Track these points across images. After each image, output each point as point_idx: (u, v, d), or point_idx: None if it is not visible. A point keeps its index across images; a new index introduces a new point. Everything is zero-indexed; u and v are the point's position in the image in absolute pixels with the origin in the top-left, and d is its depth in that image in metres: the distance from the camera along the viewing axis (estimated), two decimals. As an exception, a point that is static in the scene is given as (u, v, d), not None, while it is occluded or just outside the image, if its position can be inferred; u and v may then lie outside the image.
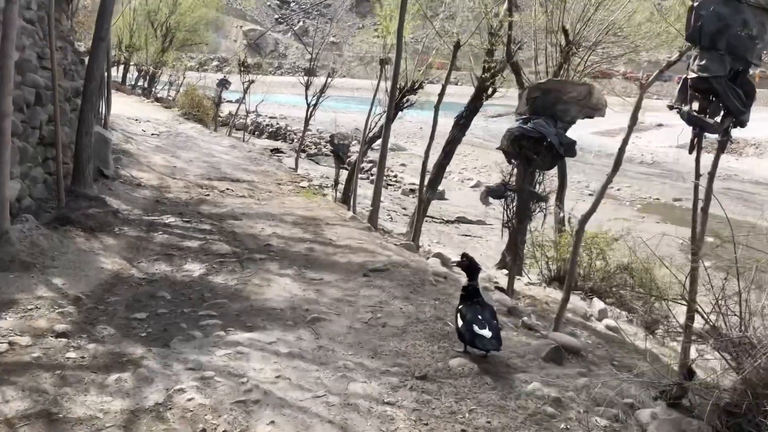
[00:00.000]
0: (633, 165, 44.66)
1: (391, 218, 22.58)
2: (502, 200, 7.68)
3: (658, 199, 34.73)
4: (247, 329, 5.39)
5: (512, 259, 7.67)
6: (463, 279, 7.41)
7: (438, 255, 9.68)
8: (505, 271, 9.70)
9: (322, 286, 6.71)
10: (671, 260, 11.26)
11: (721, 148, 4.10)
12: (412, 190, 29.44)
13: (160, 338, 5.15)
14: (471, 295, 5.18)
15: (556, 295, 8.99)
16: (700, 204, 4.23)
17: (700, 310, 3.61)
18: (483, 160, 41.31)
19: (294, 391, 4.34)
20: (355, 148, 20.75)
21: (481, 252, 20.57)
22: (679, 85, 4.17)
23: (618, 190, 35.14)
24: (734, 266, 4.04)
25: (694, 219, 4.15)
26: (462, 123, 13.45)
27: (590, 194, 32.73)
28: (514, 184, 7.73)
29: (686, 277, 4.11)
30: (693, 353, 8.91)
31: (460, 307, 5.11)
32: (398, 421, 4.06)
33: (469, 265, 5.33)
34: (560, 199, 12.66)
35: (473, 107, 13.46)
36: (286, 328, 5.47)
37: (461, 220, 25.76)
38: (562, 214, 12.06)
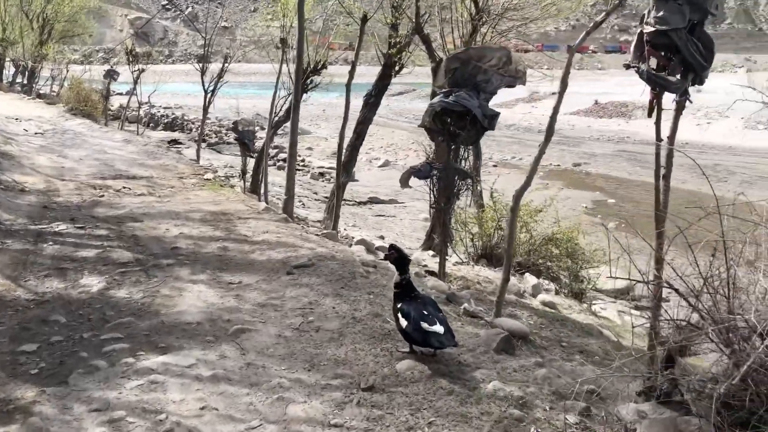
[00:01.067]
0: (532, 134, 45.71)
1: (303, 204, 21.89)
2: (428, 180, 7.21)
3: (558, 165, 35.62)
4: (161, 351, 4.66)
5: (441, 241, 7.25)
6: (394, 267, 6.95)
7: (362, 242, 9.16)
8: (432, 253, 9.31)
9: (241, 291, 6.03)
10: (579, 225, 11.24)
11: (680, 109, 3.75)
12: (322, 174, 28.81)
13: (56, 374, 4.35)
14: (406, 290, 4.67)
15: (486, 273, 8.67)
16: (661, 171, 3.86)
17: (679, 290, 3.24)
18: (388, 139, 41.12)
19: (224, 424, 3.70)
20: (260, 134, 19.85)
21: (397, 231, 20.29)
22: (634, 41, 3.79)
23: (520, 159, 35.80)
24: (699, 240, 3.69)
25: (657, 187, 3.78)
26: (372, 102, 12.94)
27: (494, 165, 33.16)
28: (438, 162, 7.27)
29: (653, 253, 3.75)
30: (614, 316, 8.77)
31: (399, 305, 4.59)
32: (350, 447, 3.51)
33: (399, 258, 4.77)
34: (476, 173, 12.38)
35: (382, 85, 12.96)
36: (206, 346, 4.79)
37: (373, 200, 25.40)
38: (480, 189, 11.77)
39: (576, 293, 9.66)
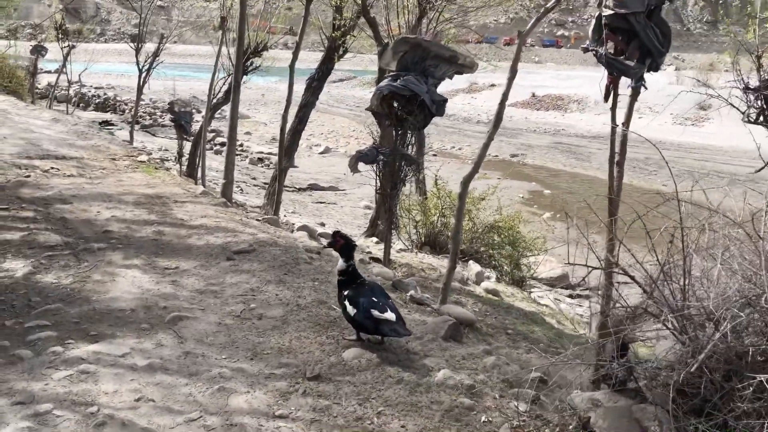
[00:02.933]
0: (471, 124, 46.18)
1: (242, 190, 21.41)
2: (374, 165, 7.06)
3: (496, 155, 36.05)
4: (92, 340, 4.38)
5: (386, 227, 7.12)
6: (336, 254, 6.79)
7: (304, 228, 8.96)
8: (375, 239, 9.18)
9: (179, 276, 5.76)
10: (520, 214, 11.33)
11: (635, 95, 3.71)
12: (261, 159, 28.29)
13: (-26, 365, 4.02)
14: (351, 277, 4.53)
15: (430, 260, 8.61)
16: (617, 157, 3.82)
17: (634, 276, 3.20)
18: (329, 125, 40.78)
19: (161, 417, 3.48)
20: (197, 117, 19.28)
21: (338, 218, 20.08)
22: (593, 24, 3.73)
23: (459, 149, 36.06)
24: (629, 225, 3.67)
25: (611, 172, 3.74)
26: (315, 86, 12.68)
27: (434, 154, 33.30)
28: (385, 147, 7.12)
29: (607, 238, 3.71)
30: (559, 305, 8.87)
31: (346, 293, 4.44)
32: (296, 439, 3.35)
33: (345, 245, 4.61)
34: (420, 160, 12.31)
35: (325, 69, 12.72)
36: (142, 334, 4.52)
37: (314, 187, 25.10)
38: (423, 176, 11.71)
39: (516, 281, 9.72)
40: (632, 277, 3.15)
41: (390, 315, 4.20)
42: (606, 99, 3.80)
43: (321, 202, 23.00)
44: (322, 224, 16.74)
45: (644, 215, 3.14)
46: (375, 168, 7.12)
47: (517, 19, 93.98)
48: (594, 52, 3.75)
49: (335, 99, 54.39)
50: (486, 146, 5.79)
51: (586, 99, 53.04)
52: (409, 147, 7.00)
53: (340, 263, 4.58)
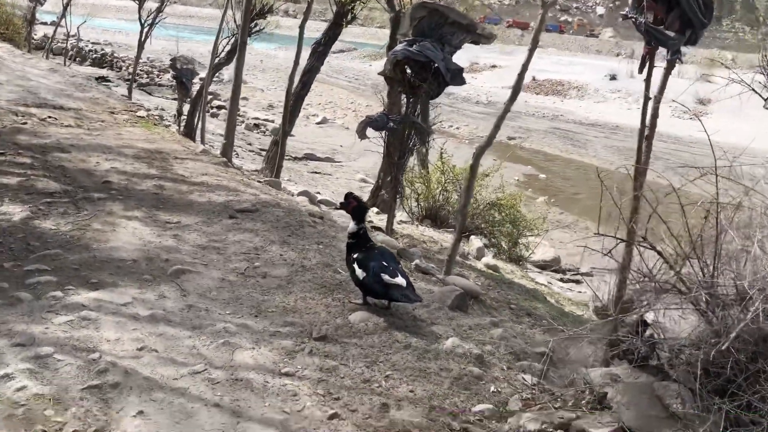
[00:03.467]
0: (470, 104, 45.90)
1: (237, 154, 21.11)
2: (383, 133, 6.93)
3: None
4: (92, 287, 4.27)
5: (392, 196, 7.02)
6: (342, 219, 6.68)
7: (305, 193, 8.84)
8: (376, 210, 9.09)
9: (180, 231, 5.64)
10: (521, 194, 11.24)
11: (671, 68, 3.61)
12: (257, 125, 28.01)
13: (-29, 304, 3.91)
14: (362, 240, 4.44)
15: (431, 233, 8.52)
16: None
17: (661, 252, 3.12)
18: (327, 96, 40.41)
19: (165, 367, 3.39)
20: (196, 79, 19.00)
21: (333, 189, 19.90)
22: (635, -10, 3.61)
23: (457, 128, 35.85)
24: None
25: (640, 145, 3.64)
26: (320, 50, 12.44)
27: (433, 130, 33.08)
28: (395, 115, 7.00)
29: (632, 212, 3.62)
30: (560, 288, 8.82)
31: (355, 256, 4.35)
32: (303, 397, 3.27)
33: (358, 207, 4.50)
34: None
35: (332, 34, 12.48)
36: (144, 284, 4.42)
37: (310, 157, 24.89)
38: (426, 149, 11.58)
39: (514, 259, 9.67)
40: (659, 252, 3.07)
41: (400, 280, 4.11)
42: (641, 69, 3.69)
43: (316, 172, 22.82)
44: (318, 194, 16.62)
45: (678, 189, 3.05)
46: (383, 135, 6.99)
47: (522, 2, 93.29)
48: (633, 20, 3.63)
49: (335, 70, 53.86)
50: (501, 118, 5.68)
51: (586, 86, 52.88)
52: (421, 116, 6.87)
53: (351, 225, 4.48)
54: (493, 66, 56.43)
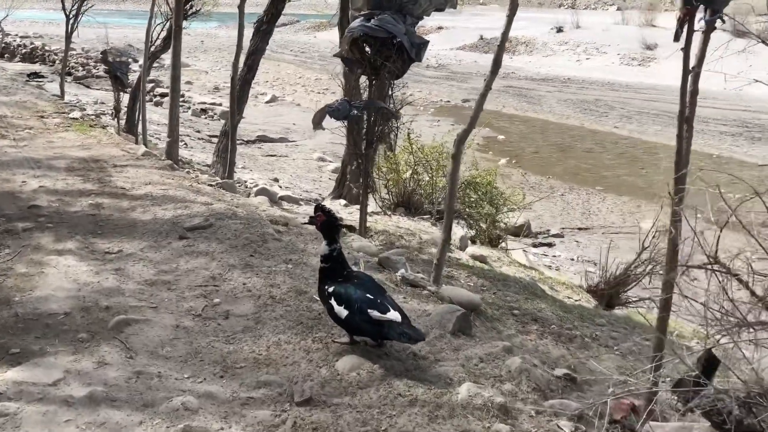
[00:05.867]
0: (420, 69, 44.89)
1: (186, 144, 19.98)
2: (346, 122, 6.12)
3: (448, 101, 35.24)
4: (12, 361, 3.42)
5: (363, 192, 6.26)
6: (313, 226, 5.90)
7: (263, 192, 8.00)
8: (344, 202, 8.31)
9: (123, 263, 4.79)
10: (496, 168, 10.53)
11: (710, 30, 2.90)
12: (204, 110, 26.72)
13: None
14: (336, 265, 3.64)
15: (407, 223, 7.79)
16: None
17: (738, 275, 2.42)
18: (274, 73, 39.00)
19: (109, 479, 2.60)
20: (135, 66, 17.76)
21: (291, 172, 19.01)
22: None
23: (410, 95, 35.02)
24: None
25: (681, 132, 2.93)
26: (264, 30, 11.46)
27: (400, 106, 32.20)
28: (358, 100, 6.18)
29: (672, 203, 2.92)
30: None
31: (331, 289, 3.57)
32: (292, 499, 2.53)
33: (328, 223, 3.67)
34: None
35: (275, 11, 11.50)
36: (79, 348, 3.59)
37: (262, 139, 23.81)
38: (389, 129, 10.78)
39: (493, 239, 9.02)
40: (741, 280, 2.38)
41: (394, 315, 3.37)
42: (677, 37, 2.97)
43: (272, 155, 21.80)
44: (276, 179, 15.72)
45: (754, 197, 2.35)
46: (346, 125, 6.19)
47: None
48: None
49: (279, 45, 52.13)
50: (483, 96, 4.95)
51: (534, 41, 52.32)
52: (387, 99, 6.08)
53: (323, 247, 3.69)
54: (440, 27, 55.37)
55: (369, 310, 3.38)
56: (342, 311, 3.48)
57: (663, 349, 3.24)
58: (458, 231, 7.56)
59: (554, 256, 12.82)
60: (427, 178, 8.81)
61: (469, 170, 9.09)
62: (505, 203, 8.91)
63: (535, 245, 13.11)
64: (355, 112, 5.92)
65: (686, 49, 2.89)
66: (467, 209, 8.67)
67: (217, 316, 4.00)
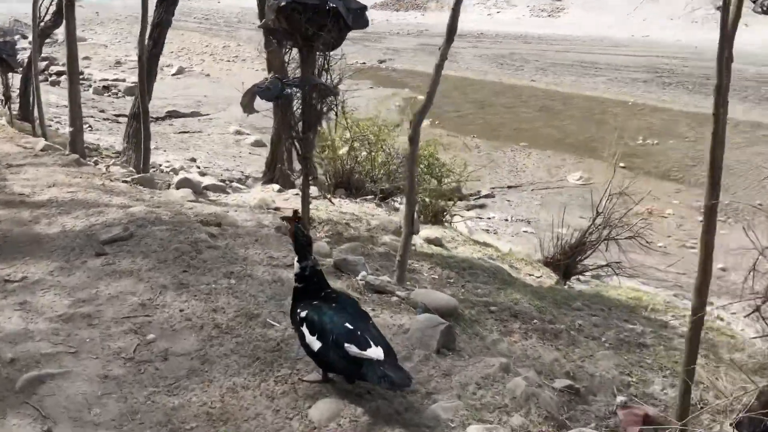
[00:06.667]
0: (343, 31, 43.72)
1: (90, 126, 18.47)
2: (278, 102, 5.38)
3: (364, 63, 34.40)
4: None
5: (304, 181, 5.58)
6: (247, 220, 5.22)
7: (185, 183, 7.15)
8: (277, 187, 7.58)
9: (29, 293, 3.97)
10: (438, 139, 10.02)
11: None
12: (106, 88, 24.95)
13: None
14: (310, 285, 3.07)
15: (350, 207, 7.15)
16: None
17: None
18: (179, 42, 36.95)
19: None
20: (25, 43, 16.17)
21: (208, 150, 17.91)
22: None
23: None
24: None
25: (718, 112, 2.42)
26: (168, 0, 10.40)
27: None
28: (292, 78, 5.44)
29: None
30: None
31: (303, 314, 2.97)
32: None
33: (295, 236, 3.15)
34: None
35: (177, -24, 10.43)
36: (-21, 425, 2.83)
37: (173, 114, 22.44)
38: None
39: (436, 213, 8.53)
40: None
41: (375, 351, 2.75)
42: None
43: (184, 132, 20.52)
44: (193, 159, 14.71)
45: None
46: (280, 105, 5.45)
47: None
48: None
49: (180, 12, 49.34)
50: (439, 68, 4.34)
51: (444, -4, 52.04)
52: (324, 73, 5.36)
53: (295, 264, 3.09)
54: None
55: (346, 345, 2.77)
56: (314, 342, 2.88)
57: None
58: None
59: (489, 218, 12.56)
60: (365, 154, 8.18)
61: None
62: (448, 174, 8.41)
63: (468, 208, 12.83)
64: (289, 90, 5.20)
65: (724, 9, 2.36)
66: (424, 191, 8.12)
67: (154, 357, 3.29)
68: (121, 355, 3.31)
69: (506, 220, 12.66)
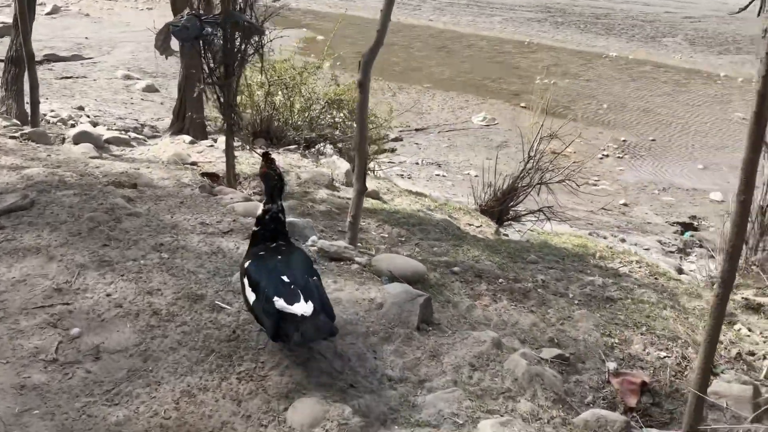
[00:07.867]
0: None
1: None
2: (197, 42, 4.68)
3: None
4: None
5: (228, 131, 4.94)
6: (164, 179, 4.60)
7: (83, 136, 6.29)
8: (189, 138, 6.84)
9: None
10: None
11: None
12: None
13: None
14: (266, 233, 2.82)
15: (276, 159, 6.52)
16: None
17: None
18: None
19: None
20: None
21: (96, 97, 16.43)
22: None
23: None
24: None
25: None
26: None
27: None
28: (211, 15, 4.73)
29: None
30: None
31: (246, 264, 2.71)
32: None
33: (268, 177, 2.93)
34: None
35: None
36: None
37: (51, 58, 20.43)
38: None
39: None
40: None
41: (302, 307, 2.41)
42: None
43: (67, 77, 18.72)
44: (81, 108, 13.39)
45: None
46: (199, 46, 4.74)
47: None
48: None
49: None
50: (389, 4, 3.81)
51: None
52: (247, 9, 4.69)
53: (259, 206, 2.82)
54: None
55: (275, 298, 2.45)
56: (250, 294, 2.60)
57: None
58: (342, 164, 6.46)
59: (401, 163, 12.26)
60: (282, 101, 7.53)
61: (329, 85, 7.95)
62: (373, 121, 7.91)
63: (378, 153, 12.50)
64: (209, 29, 4.51)
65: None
66: (335, 132, 7.59)
67: (83, 357, 2.71)
68: (39, 356, 2.71)
69: (417, 163, 12.44)
